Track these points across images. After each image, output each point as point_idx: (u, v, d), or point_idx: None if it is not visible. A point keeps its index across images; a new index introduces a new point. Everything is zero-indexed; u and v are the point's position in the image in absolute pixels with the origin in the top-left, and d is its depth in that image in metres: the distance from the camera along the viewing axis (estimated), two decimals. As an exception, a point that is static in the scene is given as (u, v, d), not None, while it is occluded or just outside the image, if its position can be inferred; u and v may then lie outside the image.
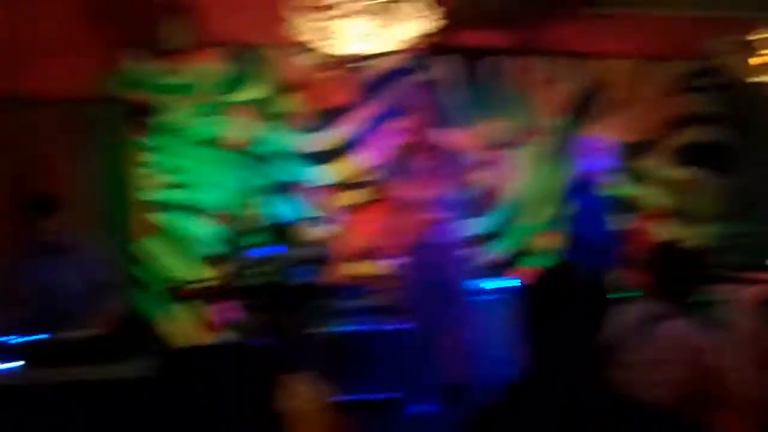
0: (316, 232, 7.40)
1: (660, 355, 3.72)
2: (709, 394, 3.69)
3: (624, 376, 3.63)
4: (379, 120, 7.78)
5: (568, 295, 2.45)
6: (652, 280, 4.06)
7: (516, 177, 8.02)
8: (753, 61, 6.82)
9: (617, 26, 8.19)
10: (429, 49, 6.13)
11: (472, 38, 7.96)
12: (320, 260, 5.73)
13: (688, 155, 8.43)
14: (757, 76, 6.91)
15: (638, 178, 8.25)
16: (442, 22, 5.90)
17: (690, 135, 8.50)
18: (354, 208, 7.69)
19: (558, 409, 2.30)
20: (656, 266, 4.05)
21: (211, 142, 7.50)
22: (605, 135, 7.84)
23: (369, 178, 7.59)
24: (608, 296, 2.53)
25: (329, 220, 7.25)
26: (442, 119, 7.81)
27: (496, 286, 7.39)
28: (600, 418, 2.30)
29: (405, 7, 5.53)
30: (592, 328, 2.45)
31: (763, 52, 6.78)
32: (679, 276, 3.97)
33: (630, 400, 2.40)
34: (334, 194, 7.72)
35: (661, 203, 8.26)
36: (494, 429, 2.39)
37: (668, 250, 4.15)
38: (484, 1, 7.51)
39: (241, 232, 6.44)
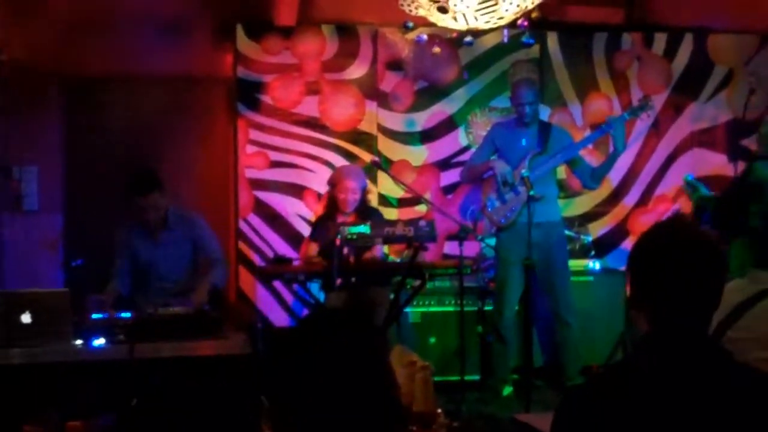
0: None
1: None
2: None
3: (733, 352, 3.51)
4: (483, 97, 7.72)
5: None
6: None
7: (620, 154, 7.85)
8: None
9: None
10: (534, 24, 6.01)
11: (578, 13, 7.82)
12: (415, 240, 5.67)
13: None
14: None
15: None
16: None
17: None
18: (453, 188, 7.66)
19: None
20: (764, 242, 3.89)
21: (316, 121, 7.51)
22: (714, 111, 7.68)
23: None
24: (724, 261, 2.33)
25: (425, 201, 7.19)
26: (548, 96, 7.71)
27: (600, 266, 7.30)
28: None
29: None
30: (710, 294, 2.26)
31: None
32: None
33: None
34: (433, 174, 7.69)
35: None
36: None
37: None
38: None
39: (340, 211, 6.43)
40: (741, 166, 6.89)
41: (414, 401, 5.22)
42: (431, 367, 5.48)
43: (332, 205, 6.53)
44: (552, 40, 7.86)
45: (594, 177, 6.74)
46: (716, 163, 7.92)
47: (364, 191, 6.54)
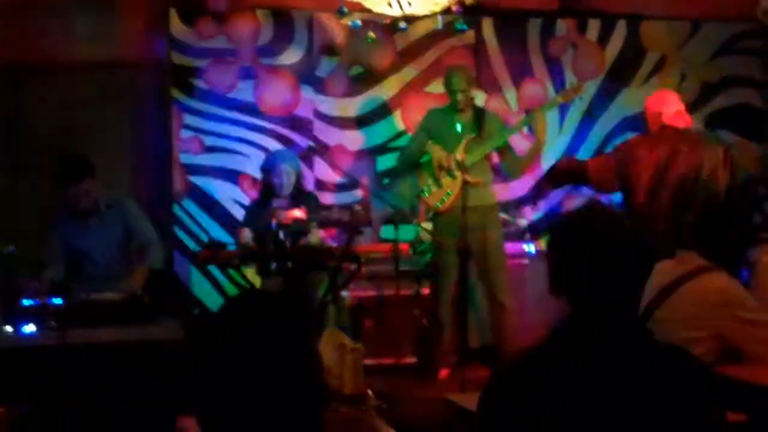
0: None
1: (695, 312, 3.64)
2: (742, 350, 3.63)
3: (659, 333, 3.58)
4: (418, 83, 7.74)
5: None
6: (692, 236, 3.99)
7: (555, 136, 7.95)
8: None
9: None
10: (467, 12, 6.05)
11: (513, 0, 7.88)
12: (350, 224, 5.68)
13: (725, 119, 8.27)
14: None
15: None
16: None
17: (728, 98, 8.33)
18: (389, 173, 7.67)
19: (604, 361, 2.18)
20: (696, 223, 3.97)
21: (251, 106, 7.48)
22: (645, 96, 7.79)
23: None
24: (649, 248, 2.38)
25: (361, 186, 7.22)
26: (483, 82, 7.76)
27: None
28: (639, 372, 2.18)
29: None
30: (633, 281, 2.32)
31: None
32: (718, 234, 3.87)
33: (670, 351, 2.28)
34: (370, 159, 7.71)
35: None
36: None
37: (708, 208, 4.07)
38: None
39: (274, 196, 6.43)
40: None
41: (344, 383, 5.25)
42: (362, 349, 5.51)
43: (267, 189, 6.53)
44: (487, 26, 7.89)
45: (512, 168, 6.86)
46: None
47: (299, 175, 6.55)
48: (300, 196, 6.47)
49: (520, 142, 7.31)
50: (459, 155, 6.52)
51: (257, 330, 1.86)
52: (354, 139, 7.72)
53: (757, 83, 8.41)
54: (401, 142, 7.55)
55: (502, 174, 7.20)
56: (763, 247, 5.86)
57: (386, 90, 7.74)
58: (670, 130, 5.89)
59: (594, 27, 8.12)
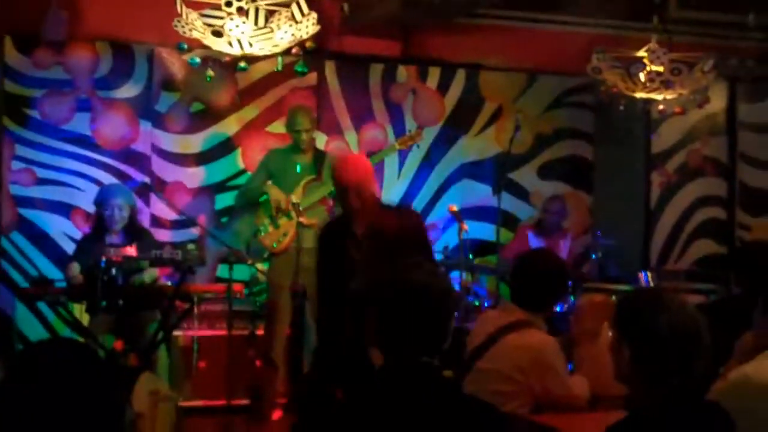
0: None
1: (510, 367, 3.75)
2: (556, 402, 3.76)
3: (477, 383, 3.68)
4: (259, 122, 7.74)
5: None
6: (513, 288, 4.11)
7: (393, 182, 8.06)
8: (628, 78, 6.95)
9: (499, 38, 8.32)
10: (311, 53, 6.10)
11: (356, 44, 7.96)
12: (183, 264, 5.62)
13: (556, 169, 8.56)
14: (632, 93, 7.05)
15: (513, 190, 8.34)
16: (323, 28, 5.89)
17: (560, 149, 8.63)
18: (228, 211, 7.62)
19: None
20: (515, 275, 4.09)
21: (87, 139, 7.32)
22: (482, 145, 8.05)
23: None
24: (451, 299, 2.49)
25: (197, 224, 7.17)
26: (324, 124, 7.82)
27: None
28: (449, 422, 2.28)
29: (288, 12, 5.49)
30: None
31: (640, 69, 6.90)
32: (537, 286, 4.00)
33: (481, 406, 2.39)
34: (208, 196, 7.64)
35: (530, 215, 8.35)
36: None
37: (529, 260, 4.20)
38: (366, 9, 7.48)
39: (107, 231, 6.31)
40: (504, 197, 7.24)
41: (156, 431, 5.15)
42: (175, 397, 5.43)
43: (99, 224, 6.40)
44: (330, 68, 7.96)
45: None
46: (482, 194, 8.23)
47: (132, 210, 6.44)
48: (133, 233, 6.36)
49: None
50: (295, 197, 6.54)
51: (47, 382, 1.84)
52: (193, 176, 7.63)
53: (588, 136, 8.73)
54: (241, 180, 7.51)
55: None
56: (585, 294, 6.12)
57: (227, 128, 7.69)
58: None
59: (434, 75, 8.29)
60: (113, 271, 5.72)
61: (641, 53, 6.93)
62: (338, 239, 4.52)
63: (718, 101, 8.70)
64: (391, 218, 4.36)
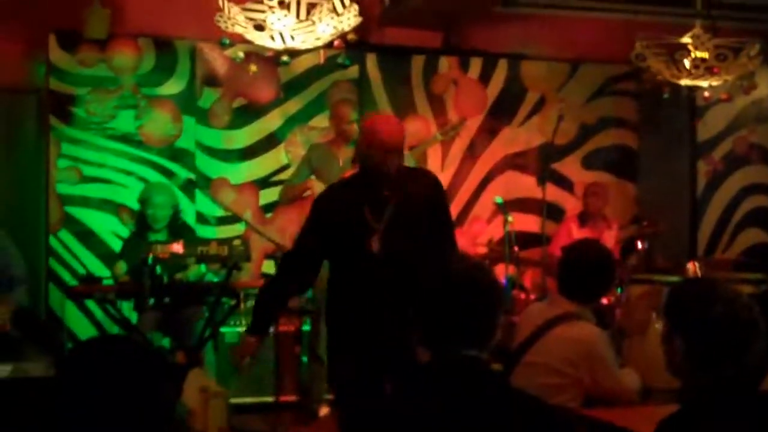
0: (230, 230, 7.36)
1: (559, 360, 3.72)
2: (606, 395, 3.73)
3: (525, 377, 3.65)
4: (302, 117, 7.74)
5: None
6: (561, 279, 4.08)
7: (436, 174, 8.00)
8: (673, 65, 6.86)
9: (540, 27, 8.25)
10: (352, 46, 6.09)
11: (397, 36, 7.94)
12: (229, 260, 5.63)
13: (601, 159, 8.49)
14: (677, 80, 6.96)
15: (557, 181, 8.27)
16: (364, 20, 5.87)
17: (604, 138, 8.55)
18: (272, 207, 7.62)
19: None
20: (562, 267, 4.05)
21: (132, 137, 7.36)
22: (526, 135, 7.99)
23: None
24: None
25: (246, 219, 7.17)
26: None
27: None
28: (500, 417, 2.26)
29: (329, 4, 5.48)
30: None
31: (684, 56, 6.81)
32: (584, 277, 3.96)
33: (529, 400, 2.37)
34: (252, 192, 7.65)
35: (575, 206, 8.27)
36: None
37: (576, 251, 4.15)
38: (406, 0, 7.46)
39: (150, 229, 6.35)
40: (549, 188, 7.18)
41: (208, 427, 5.16)
42: (226, 393, 5.43)
43: (143, 222, 6.43)
44: (371, 61, 7.94)
45: None
46: (527, 185, 8.17)
47: (175, 208, 6.47)
48: (178, 230, 6.39)
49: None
50: None
51: (99, 378, 1.85)
52: (237, 172, 7.66)
53: (631, 124, 8.65)
54: (284, 175, 7.51)
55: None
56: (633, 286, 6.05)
57: (270, 123, 7.70)
58: None
59: (476, 65, 8.25)
60: (159, 268, 5.75)
61: (685, 39, 6.84)
62: (353, 205, 4.29)
63: (764, 87, 8.56)
64: (419, 182, 4.31)
